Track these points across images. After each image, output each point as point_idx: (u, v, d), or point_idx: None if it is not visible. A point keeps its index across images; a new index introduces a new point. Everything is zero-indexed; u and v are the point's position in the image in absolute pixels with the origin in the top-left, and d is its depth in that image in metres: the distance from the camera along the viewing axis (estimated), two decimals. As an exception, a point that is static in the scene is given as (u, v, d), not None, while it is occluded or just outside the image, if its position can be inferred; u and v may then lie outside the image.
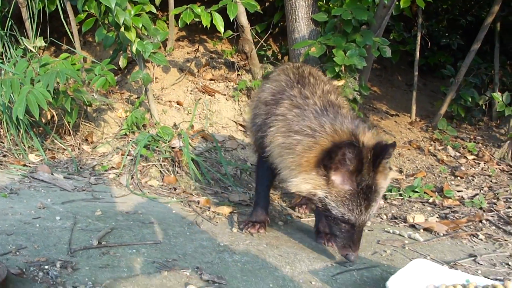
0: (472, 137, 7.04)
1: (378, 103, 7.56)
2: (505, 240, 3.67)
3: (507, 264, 3.19)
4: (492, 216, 4.26)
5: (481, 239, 3.69)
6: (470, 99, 7.02)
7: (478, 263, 3.17)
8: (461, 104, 7.12)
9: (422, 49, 7.64)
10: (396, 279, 2.35)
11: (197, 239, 2.96)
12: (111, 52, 5.66)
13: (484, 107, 7.48)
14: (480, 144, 6.81)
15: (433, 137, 6.75)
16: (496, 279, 2.56)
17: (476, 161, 6.30)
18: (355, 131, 2.67)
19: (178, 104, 5.61)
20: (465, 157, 6.35)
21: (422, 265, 2.57)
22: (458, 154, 6.42)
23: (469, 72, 7.25)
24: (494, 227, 4.01)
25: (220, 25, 5.07)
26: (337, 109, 2.87)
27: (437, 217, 4.17)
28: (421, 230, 3.74)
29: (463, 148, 6.61)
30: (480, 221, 4.10)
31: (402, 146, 6.37)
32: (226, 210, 3.62)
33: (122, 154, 4.55)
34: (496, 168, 6.08)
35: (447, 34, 8.14)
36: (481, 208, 4.49)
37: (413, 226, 3.83)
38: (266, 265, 2.70)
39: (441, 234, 3.69)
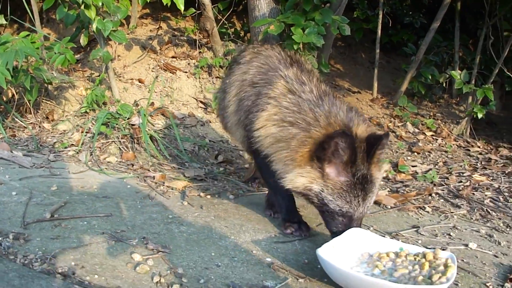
0: (432, 113, 7.28)
1: (340, 81, 7.75)
2: (451, 212, 3.89)
3: (449, 234, 3.39)
4: (442, 190, 4.48)
5: (428, 212, 3.89)
6: (430, 77, 7.24)
7: (420, 233, 3.36)
8: (422, 81, 7.34)
9: (386, 27, 7.83)
10: (329, 247, 2.50)
11: (148, 211, 3.13)
12: (74, 29, 5.74)
13: (444, 85, 7.71)
14: (439, 121, 7.05)
15: (394, 114, 6.97)
16: (435, 248, 2.74)
17: (434, 137, 6.55)
18: (349, 123, 2.67)
19: (139, 82, 5.73)
20: (424, 133, 6.60)
21: (357, 234, 2.71)
22: (417, 130, 6.65)
23: (430, 50, 7.47)
24: (442, 200, 4.22)
25: (180, 3, 5.18)
26: (332, 99, 2.85)
27: (388, 191, 4.37)
28: (370, 203, 3.93)
29: (422, 124, 6.83)
30: (430, 195, 4.31)
31: (362, 123, 6.58)
32: (180, 184, 3.78)
33: (82, 132, 4.66)
34: (453, 144, 6.33)
35: (410, 12, 8.33)
36: (432, 182, 4.70)
37: (362, 199, 4.01)
38: (211, 235, 2.87)
39: (389, 207, 3.89)
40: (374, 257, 2.57)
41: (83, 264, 2.30)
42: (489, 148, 6.49)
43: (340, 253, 2.55)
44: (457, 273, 2.65)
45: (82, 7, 4.65)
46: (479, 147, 6.43)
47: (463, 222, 3.70)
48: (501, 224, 3.70)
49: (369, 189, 2.64)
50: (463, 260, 2.92)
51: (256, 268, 2.51)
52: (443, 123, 7.02)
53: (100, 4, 4.70)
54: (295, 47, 5.13)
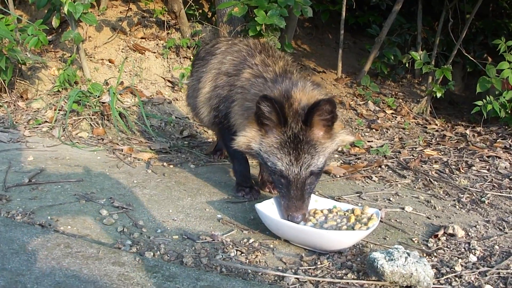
0: (394, 93, 7.77)
1: (306, 60, 8.22)
2: (396, 182, 4.35)
3: (389, 199, 3.86)
4: (392, 162, 4.94)
5: (374, 180, 4.36)
6: (392, 57, 7.74)
7: (362, 198, 3.84)
8: (384, 62, 7.83)
9: (353, 9, 8.29)
10: (268, 203, 3.01)
11: (115, 178, 3.64)
12: (46, 11, 6.12)
13: (407, 65, 8.18)
14: (401, 100, 7.55)
15: (356, 93, 7.45)
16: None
17: (394, 115, 7.04)
18: (289, 89, 2.92)
19: (110, 62, 6.17)
20: (384, 112, 7.08)
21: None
22: (377, 108, 7.14)
23: (394, 31, 7.96)
24: (391, 171, 4.68)
25: (147, -13, 5.62)
26: (290, 76, 3.16)
27: (341, 163, 4.85)
28: (320, 173, 4.41)
29: (383, 103, 7.32)
30: (380, 166, 4.78)
31: (325, 101, 7.05)
32: (145, 156, 4.29)
33: (54, 109, 5.11)
34: (412, 122, 6.84)
35: (377, -6, 8.81)
36: (384, 156, 5.18)
37: (313, 169, 4.48)
38: (171, 197, 3.40)
39: (338, 176, 4.37)
40: (310, 213, 3.07)
41: (58, 218, 2.82)
42: (447, 126, 6.99)
43: (274, 208, 3.03)
44: (387, 230, 3.19)
45: (54, -10, 5.07)
46: (436, 124, 6.93)
47: (406, 190, 4.15)
48: (441, 192, 4.14)
49: (303, 149, 2.82)
50: (396, 220, 3.39)
51: (207, 222, 3.04)
52: (404, 102, 7.53)
53: (71, -12, 5.10)
54: (258, 28, 5.58)
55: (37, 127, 4.86)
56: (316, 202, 3.20)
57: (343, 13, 7.78)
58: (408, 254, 2.47)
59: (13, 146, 4.22)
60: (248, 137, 2.94)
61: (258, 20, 5.51)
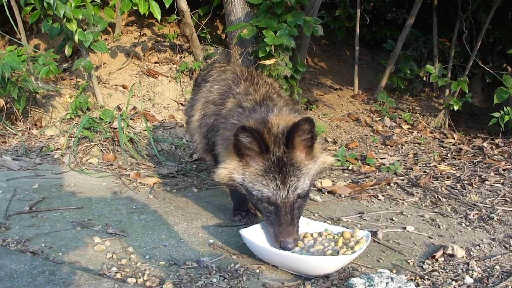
0: (411, 107, 7.76)
1: (323, 78, 8.28)
2: (403, 200, 4.33)
3: (391, 219, 3.85)
4: (402, 180, 4.93)
5: (380, 200, 4.36)
6: (408, 72, 7.74)
7: (363, 218, 3.84)
8: (401, 76, 7.84)
9: (370, 24, 8.35)
10: (255, 228, 3.06)
11: (115, 204, 3.75)
12: (62, 39, 6.31)
13: (425, 79, 8.16)
14: (418, 114, 7.54)
15: (373, 109, 7.47)
16: (365, 229, 3.25)
17: (410, 130, 7.03)
18: (265, 116, 2.99)
19: (123, 88, 6.33)
20: (400, 127, 7.07)
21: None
22: (394, 124, 7.13)
23: (409, 45, 7.98)
24: (399, 189, 4.67)
25: (157, 12, 5.73)
26: (269, 102, 3.18)
27: (350, 182, 4.86)
28: (325, 193, 4.44)
29: (400, 118, 7.32)
30: (388, 184, 4.76)
31: (341, 118, 7.10)
32: (151, 181, 4.40)
33: (66, 136, 5.26)
34: (428, 136, 6.82)
35: (393, 8, 8.84)
36: (395, 173, 5.17)
37: (319, 189, 4.52)
38: (167, 222, 3.48)
39: (343, 196, 4.38)
40: (300, 237, 3.11)
41: (51, 245, 2.93)
42: (465, 139, 6.94)
43: (261, 234, 3.07)
44: (383, 252, 3.20)
45: (64, 20, 5.22)
46: (454, 138, 6.89)
47: (411, 209, 4.13)
48: (449, 210, 4.11)
49: (288, 172, 2.83)
50: (395, 241, 3.39)
51: (198, 247, 3.11)
52: (422, 116, 7.52)
53: (81, 17, 5.27)
54: (267, 49, 5.65)
55: (49, 154, 5.02)
56: (308, 225, 3.23)
57: (357, 29, 7.84)
58: (392, 279, 2.47)
59: (22, 174, 4.37)
60: (229, 169, 2.96)
61: (267, 41, 5.57)
